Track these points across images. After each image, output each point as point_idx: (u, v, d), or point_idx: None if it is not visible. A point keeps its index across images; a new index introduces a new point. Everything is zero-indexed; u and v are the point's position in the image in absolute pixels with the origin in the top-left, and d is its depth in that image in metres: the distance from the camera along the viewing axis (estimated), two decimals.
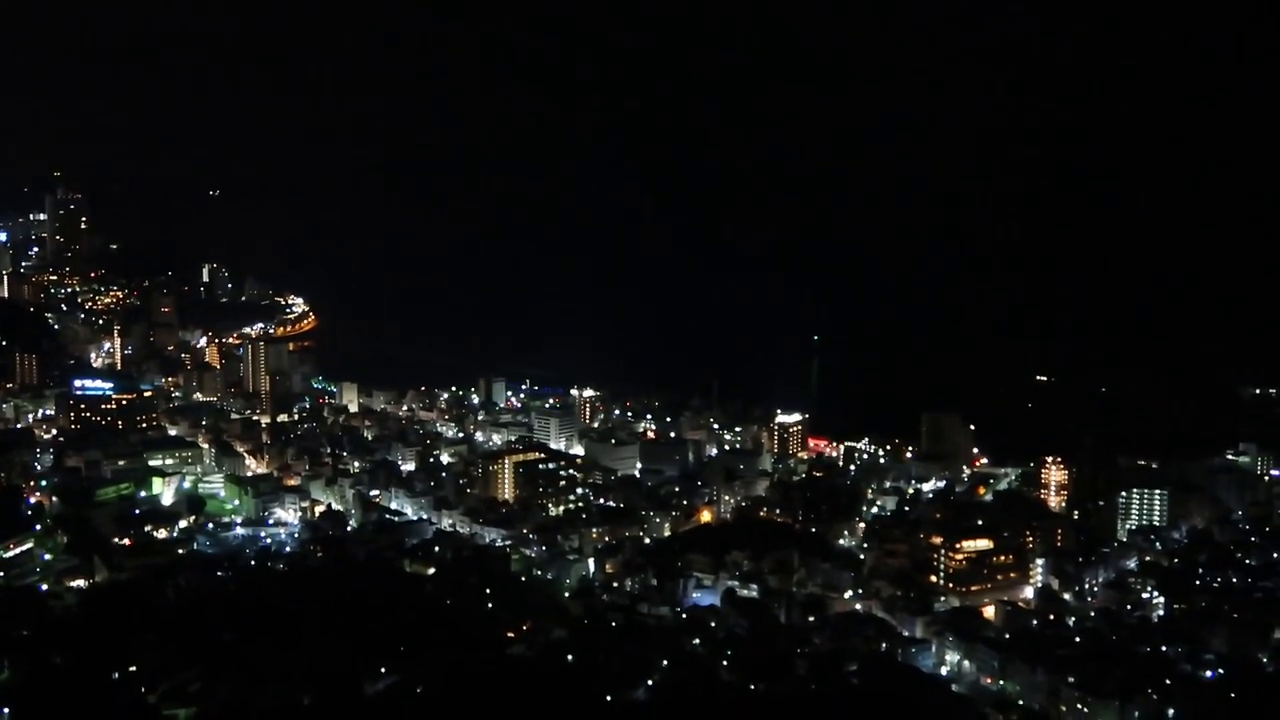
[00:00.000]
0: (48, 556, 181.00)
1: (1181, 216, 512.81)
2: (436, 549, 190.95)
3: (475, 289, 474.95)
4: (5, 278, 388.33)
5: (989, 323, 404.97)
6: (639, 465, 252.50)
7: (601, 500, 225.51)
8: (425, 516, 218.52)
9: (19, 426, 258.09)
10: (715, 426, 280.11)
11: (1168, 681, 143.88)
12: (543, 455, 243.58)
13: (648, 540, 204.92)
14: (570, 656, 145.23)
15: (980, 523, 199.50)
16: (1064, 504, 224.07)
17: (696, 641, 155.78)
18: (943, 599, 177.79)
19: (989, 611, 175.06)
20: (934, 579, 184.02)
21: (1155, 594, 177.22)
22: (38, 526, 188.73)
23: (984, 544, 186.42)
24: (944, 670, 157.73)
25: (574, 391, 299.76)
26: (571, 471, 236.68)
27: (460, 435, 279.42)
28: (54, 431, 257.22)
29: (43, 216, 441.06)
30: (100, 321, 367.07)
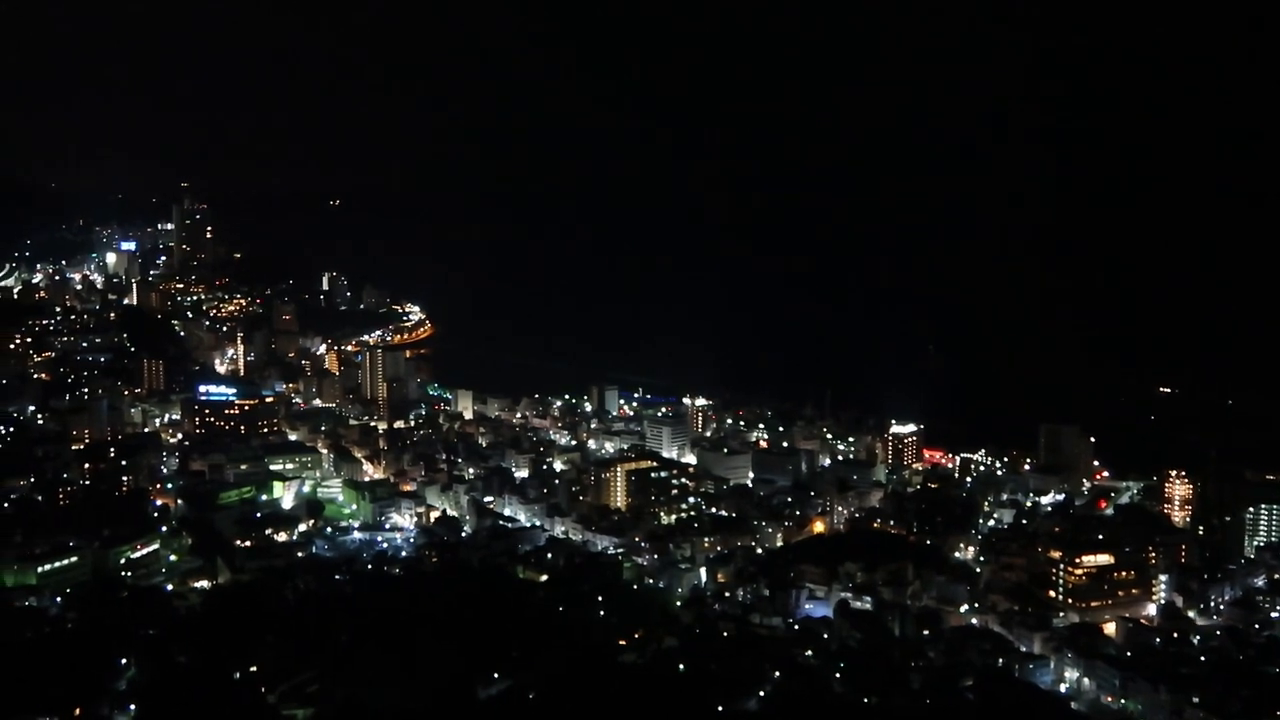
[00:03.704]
0: (173, 558, 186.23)
1: None
2: (549, 556, 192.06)
3: (589, 299, 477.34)
4: (134, 286, 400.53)
5: (1111, 333, 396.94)
6: (751, 475, 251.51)
7: (713, 509, 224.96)
8: (538, 523, 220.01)
9: (146, 431, 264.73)
10: (828, 436, 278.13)
11: None
12: (655, 464, 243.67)
13: (760, 550, 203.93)
14: (681, 665, 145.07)
15: (1101, 537, 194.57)
16: (1188, 519, 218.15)
17: (809, 653, 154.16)
18: (1061, 614, 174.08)
19: (1110, 628, 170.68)
20: (1053, 594, 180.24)
21: None
22: (164, 528, 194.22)
23: (1105, 559, 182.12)
24: (1063, 687, 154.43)
25: (686, 400, 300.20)
26: (683, 480, 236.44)
27: (573, 443, 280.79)
28: (179, 436, 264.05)
29: (170, 227, 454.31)
30: (224, 329, 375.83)
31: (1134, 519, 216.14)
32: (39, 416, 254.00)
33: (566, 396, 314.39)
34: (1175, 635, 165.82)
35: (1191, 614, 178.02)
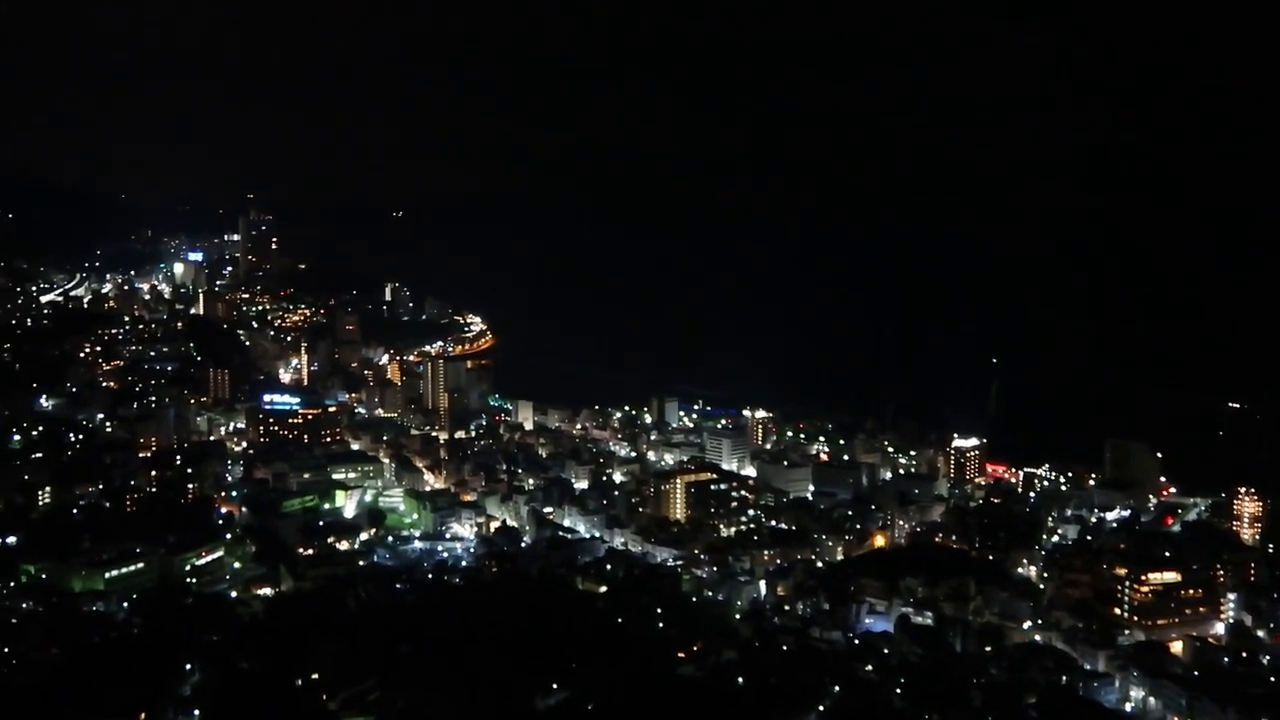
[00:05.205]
0: (237, 565, 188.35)
1: None
2: (608, 567, 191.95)
3: (650, 310, 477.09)
4: (201, 296, 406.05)
5: (1179, 348, 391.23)
6: (811, 488, 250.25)
7: (773, 522, 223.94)
8: (597, 534, 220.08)
9: (211, 439, 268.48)
10: (890, 450, 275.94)
11: None
12: (714, 476, 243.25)
13: (819, 563, 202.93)
14: (740, 679, 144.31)
15: (1167, 554, 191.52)
16: (1258, 537, 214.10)
17: (869, 668, 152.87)
18: (1127, 632, 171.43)
19: (1176, 647, 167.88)
20: (1117, 611, 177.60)
21: None
22: (228, 535, 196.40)
23: (1171, 576, 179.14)
24: (1128, 706, 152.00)
25: (746, 412, 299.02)
26: (743, 492, 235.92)
27: (633, 454, 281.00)
28: (244, 444, 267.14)
29: (236, 237, 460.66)
30: (288, 338, 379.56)
31: (1202, 536, 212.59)
32: (108, 424, 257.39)
33: (626, 408, 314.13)
34: (1244, 655, 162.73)
35: (1261, 633, 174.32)
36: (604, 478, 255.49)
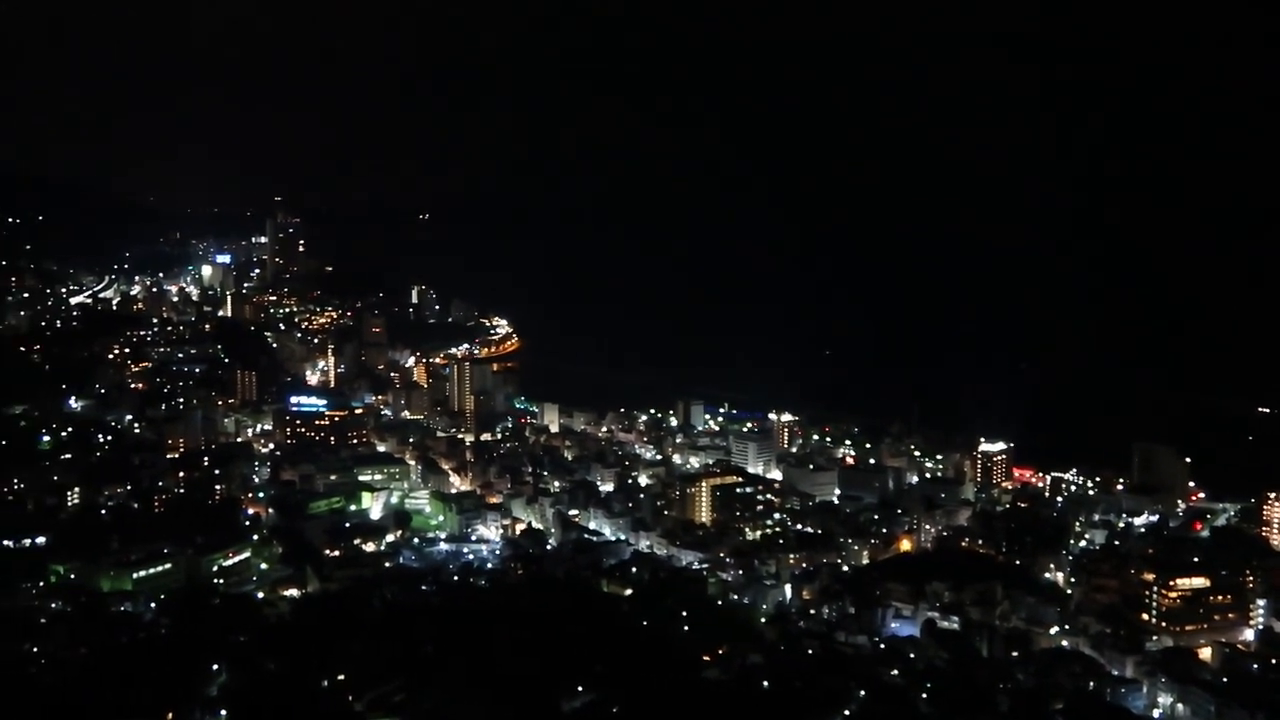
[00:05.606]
0: (264, 566, 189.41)
1: None
2: (633, 570, 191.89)
3: (675, 313, 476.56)
4: (229, 298, 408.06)
5: (1179, 348, 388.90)
6: (837, 491, 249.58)
7: (799, 526, 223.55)
8: (623, 537, 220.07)
9: (239, 440, 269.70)
10: (916, 454, 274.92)
11: None
12: (740, 479, 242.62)
13: (845, 568, 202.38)
14: (765, 682, 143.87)
15: (1196, 559, 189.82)
16: None
17: (895, 672, 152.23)
18: (1155, 638, 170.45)
19: (1205, 653, 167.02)
20: (1145, 617, 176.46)
21: None
22: (255, 537, 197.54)
23: (1200, 582, 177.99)
24: (1155, 713, 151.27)
25: (772, 416, 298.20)
26: (769, 496, 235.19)
27: (658, 457, 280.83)
28: (271, 446, 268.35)
29: (263, 240, 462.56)
30: (315, 340, 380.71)
31: (1230, 541, 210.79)
32: (136, 425, 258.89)
33: (652, 411, 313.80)
34: (1273, 661, 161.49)
35: None
36: (629, 480, 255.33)
